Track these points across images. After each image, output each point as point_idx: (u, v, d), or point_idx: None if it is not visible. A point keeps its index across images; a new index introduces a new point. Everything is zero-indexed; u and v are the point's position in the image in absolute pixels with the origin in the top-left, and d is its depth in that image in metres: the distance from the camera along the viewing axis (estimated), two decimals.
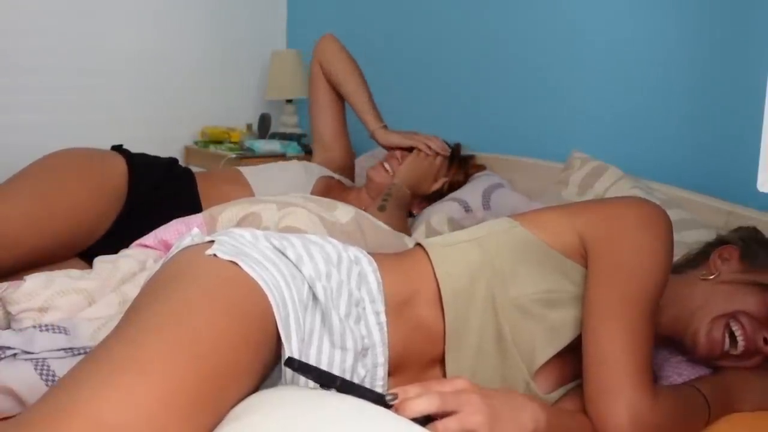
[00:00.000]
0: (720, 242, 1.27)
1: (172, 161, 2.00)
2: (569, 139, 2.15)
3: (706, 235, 1.45)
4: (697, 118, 1.90)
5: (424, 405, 0.83)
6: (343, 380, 0.85)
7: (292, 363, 0.86)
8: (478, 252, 1.12)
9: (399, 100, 2.86)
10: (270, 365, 0.96)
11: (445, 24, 2.62)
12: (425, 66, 2.72)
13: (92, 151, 1.85)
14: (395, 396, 0.84)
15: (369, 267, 1.09)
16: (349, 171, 2.28)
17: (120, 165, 1.83)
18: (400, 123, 2.82)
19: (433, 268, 1.11)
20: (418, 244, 1.18)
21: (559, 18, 2.23)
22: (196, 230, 1.08)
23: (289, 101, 3.23)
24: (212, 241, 1.01)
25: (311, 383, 0.88)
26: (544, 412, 0.93)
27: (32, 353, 1.20)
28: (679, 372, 1.23)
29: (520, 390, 1.08)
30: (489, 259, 1.11)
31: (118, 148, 1.96)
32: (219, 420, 0.85)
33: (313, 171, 2.10)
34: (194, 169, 2.07)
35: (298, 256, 1.03)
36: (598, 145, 2.07)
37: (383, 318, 1.06)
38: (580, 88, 2.18)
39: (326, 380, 0.85)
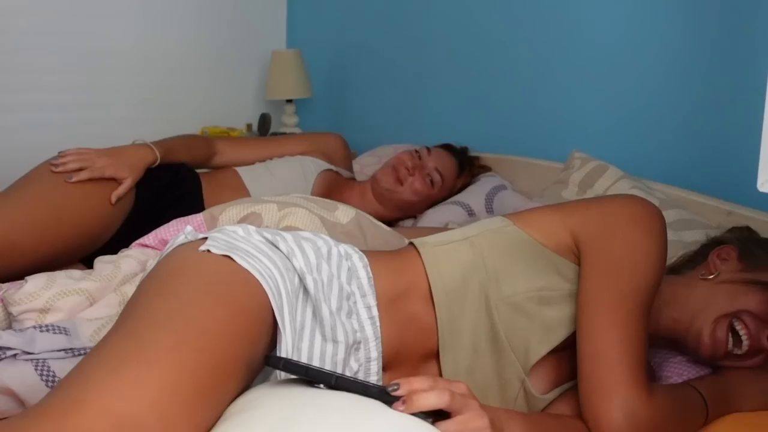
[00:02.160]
0: (716, 242, 1.27)
1: (180, 163, 1.98)
2: (569, 139, 2.15)
3: (706, 236, 1.45)
4: (697, 119, 1.90)
5: (435, 400, 0.83)
6: (338, 377, 0.84)
7: (276, 361, 0.86)
8: (470, 251, 1.13)
9: (399, 100, 2.86)
10: (262, 365, 0.97)
11: (446, 24, 2.62)
12: (425, 66, 2.72)
13: None
14: (398, 385, 0.83)
15: (360, 262, 1.10)
16: (339, 160, 2.20)
17: None
18: (400, 123, 2.83)
19: (425, 268, 1.12)
20: (411, 244, 1.18)
21: (560, 18, 2.23)
22: (189, 228, 1.08)
23: (289, 101, 3.23)
24: (205, 238, 1.02)
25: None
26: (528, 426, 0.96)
27: (32, 354, 1.20)
28: (679, 372, 1.23)
29: (516, 388, 1.09)
30: (481, 258, 1.12)
31: None
32: (221, 410, 0.87)
33: (311, 169, 2.06)
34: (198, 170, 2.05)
35: (290, 249, 1.04)
36: (598, 145, 2.07)
37: (375, 312, 1.06)
38: (580, 89, 2.18)
39: (315, 378, 0.85)
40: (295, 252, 1.04)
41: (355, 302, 1.06)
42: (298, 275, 1.02)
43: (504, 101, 2.43)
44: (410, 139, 2.60)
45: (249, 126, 3.28)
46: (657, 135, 1.99)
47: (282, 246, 1.04)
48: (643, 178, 1.89)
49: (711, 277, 1.19)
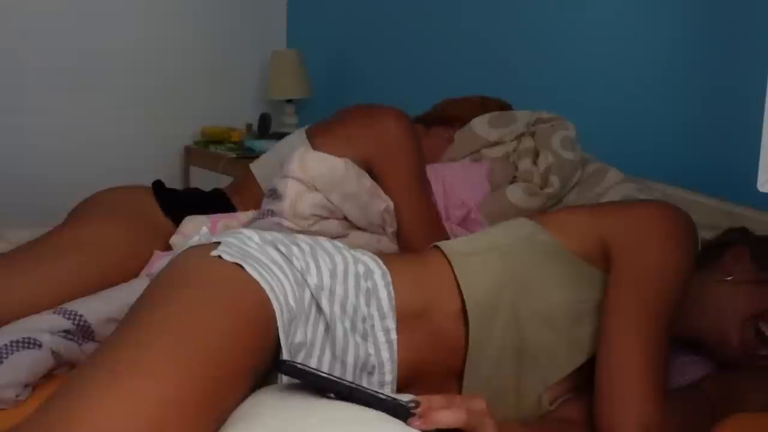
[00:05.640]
0: (725, 242, 1.25)
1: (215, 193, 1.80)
2: None
3: (706, 236, 1.45)
4: (697, 118, 1.90)
5: (451, 419, 0.81)
6: (354, 388, 0.83)
7: (289, 368, 0.84)
8: (501, 262, 1.09)
9: (399, 100, 2.86)
10: (270, 368, 0.95)
11: (445, 24, 2.62)
12: (424, 66, 2.73)
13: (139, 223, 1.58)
14: (418, 403, 0.82)
15: (381, 281, 1.05)
16: None
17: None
18: None
19: (455, 278, 1.08)
20: (437, 247, 1.14)
21: (559, 17, 2.23)
22: (204, 229, 1.06)
23: (289, 101, 3.23)
24: (219, 242, 0.99)
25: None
26: None
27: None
28: (680, 372, 1.22)
29: (531, 400, 1.07)
30: (513, 269, 1.08)
31: (161, 190, 1.69)
32: (223, 421, 0.85)
33: None
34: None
35: (305, 264, 1.01)
36: (597, 146, 2.07)
37: (394, 335, 1.03)
38: (579, 89, 2.18)
39: (328, 387, 0.83)
40: (311, 269, 1.01)
41: (372, 325, 1.02)
42: (313, 293, 0.99)
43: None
44: None
45: (249, 126, 3.29)
46: (657, 135, 1.99)
47: (297, 262, 1.00)
48: (643, 178, 1.89)
49: (728, 279, 1.17)
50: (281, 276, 0.96)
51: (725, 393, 1.12)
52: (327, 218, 1.49)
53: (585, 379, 1.09)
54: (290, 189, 1.45)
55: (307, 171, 1.46)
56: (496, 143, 1.78)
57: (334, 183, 1.47)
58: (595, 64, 2.14)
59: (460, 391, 1.07)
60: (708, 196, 1.79)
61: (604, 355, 1.01)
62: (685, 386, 1.16)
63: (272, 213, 1.46)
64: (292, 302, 0.95)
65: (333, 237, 1.46)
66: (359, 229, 1.53)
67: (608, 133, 2.11)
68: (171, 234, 1.56)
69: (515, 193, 1.67)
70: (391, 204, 1.54)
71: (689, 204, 1.77)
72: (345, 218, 1.51)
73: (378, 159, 1.56)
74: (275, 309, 0.92)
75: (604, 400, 0.98)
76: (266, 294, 0.92)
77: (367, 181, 1.52)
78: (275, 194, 1.48)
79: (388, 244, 1.53)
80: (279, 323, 0.92)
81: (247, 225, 1.54)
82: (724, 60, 1.82)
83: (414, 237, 1.56)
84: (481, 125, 1.79)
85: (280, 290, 0.94)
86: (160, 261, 1.45)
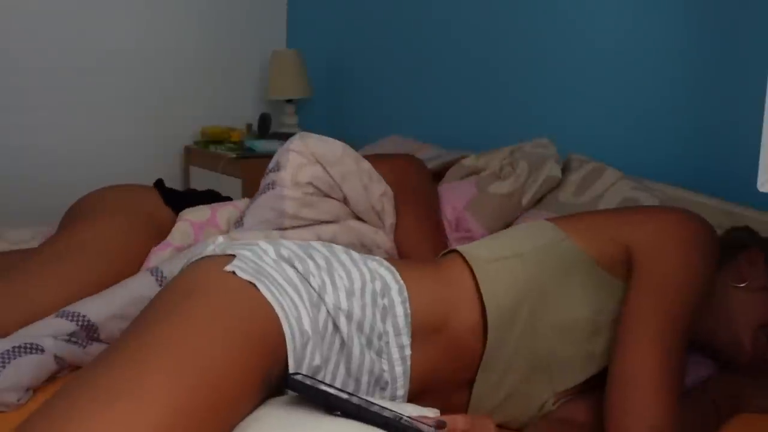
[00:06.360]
0: (738, 245, 1.24)
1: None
2: (567, 139, 2.15)
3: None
4: (697, 118, 1.90)
5: None
6: (362, 408, 0.82)
7: (295, 384, 0.83)
8: (523, 269, 1.09)
9: (397, 99, 2.86)
10: (278, 386, 0.94)
11: (444, 24, 2.62)
12: (424, 66, 2.73)
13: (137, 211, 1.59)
14: (443, 424, 0.82)
15: (398, 297, 1.04)
16: None
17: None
18: (400, 123, 2.83)
19: (476, 286, 1.07)
20: (457, 252, 1.13)
21: (558, 18, 2.23)
22: (220, 239, 1.05)
23: (289, 101, 3.23)
24: (234, 255, 0.98)
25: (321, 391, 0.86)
26: None
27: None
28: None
29: (537, 403, 1.08)
30: (535, 278, 1.08)
31: (162, 188, 1.72)
32: None
33: None
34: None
35: (322, 282, 0.99)
36: (598, 146, 2.07)
37: (408, 351, 1.02)
38: (578, 89, 2.18)
39: (333, 404, 0.83)
40: (327, 287, 0.99)
41: (387, 342, 1.02)
42: (330, 312, 0.98)
43: (501, 102, 2.43)
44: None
45: (249, 126, 3.28)
46: (657, 135, 1.99)
47: (313, 281, 0.99)
48: (643, 178, 1.89)
49: (743, 285, 1.17)
50: (296, 298, 0.95)
51: (729, 395, 1.12)
52: (327, 195, 1.49)
53: (590, 382, 1.09)
54: (291, 161, 1.48)
55: (309, 147, 1.51)
56: (483, 169, 1.93)
57: (334, 160, 1.51)
58: (596, 65, 2.14)
59: (468, 399, 1.07)
60: (708, 196, 1.79)
61: (619, 357, 1.00)
62: (689, 389, 1.16)
63: (272, 185, 1.48)
64: (307, 327, 0.93)
65: (331, 221, 1.48)
66: (358, 219, 1.54)
67: (609, 134, 2.11)
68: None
69: (494, 185, 1.82)
70: (390, 191, 1.57)
71: (689, 204, 1.77)
72: (345, 200, 1.52)
73: (393, 186, 1.61)
74: (286, 333, 0.91)
75: (615, 402, 0.97)
76: (278, 314, 0.91)
77: (366, 165, 1.56)
78: (276, 167, 1.51)
79: (384, 238, 1.54)
80: (289, 347, 0.91)
81: (249, 204, 1.56)
82: (724, 60, 1.82)
83: (413, 236, 1.57)
84: (468, 160, 1.95)
85: (294, 313, 0.93)
86: (155, 256, 1.48)
